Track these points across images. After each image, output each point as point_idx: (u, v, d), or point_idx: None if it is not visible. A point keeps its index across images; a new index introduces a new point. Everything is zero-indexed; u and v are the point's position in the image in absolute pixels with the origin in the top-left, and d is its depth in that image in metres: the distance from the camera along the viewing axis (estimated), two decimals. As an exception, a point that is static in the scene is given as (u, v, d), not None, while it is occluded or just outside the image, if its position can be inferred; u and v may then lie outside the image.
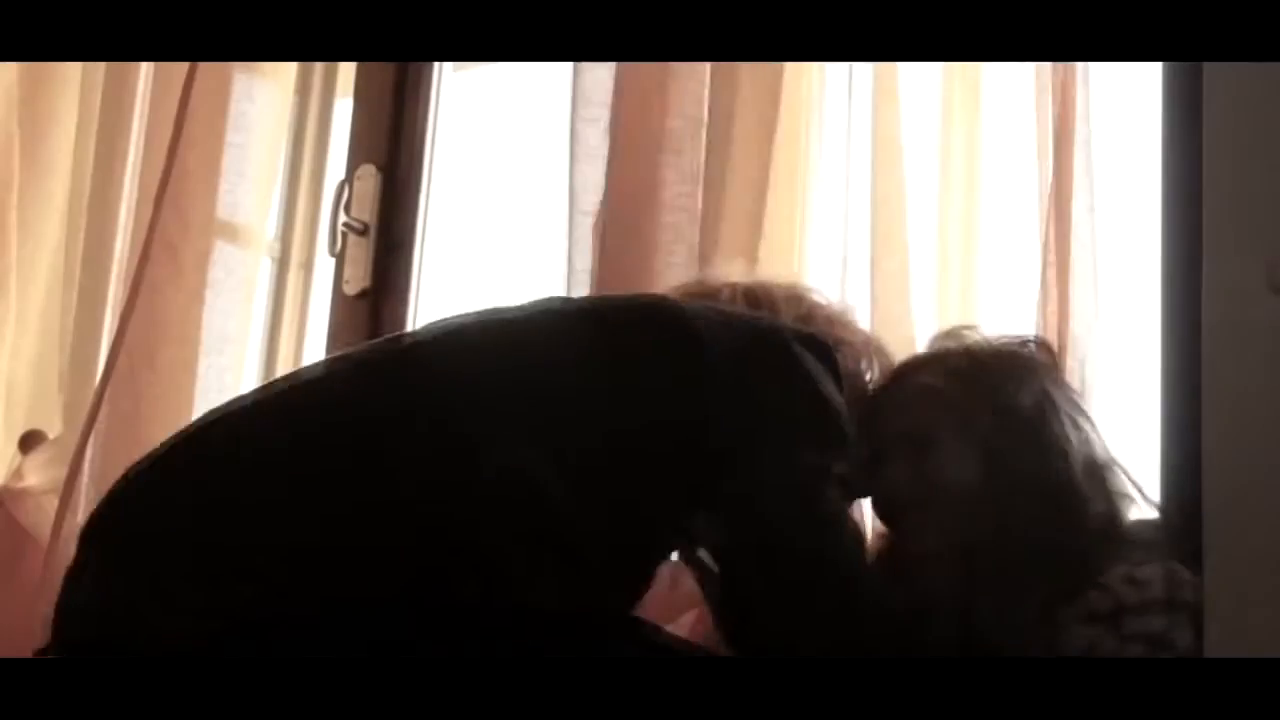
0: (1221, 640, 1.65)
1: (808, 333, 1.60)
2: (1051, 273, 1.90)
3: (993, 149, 2.04)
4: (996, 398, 1.67)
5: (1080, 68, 1.93)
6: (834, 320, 1.74)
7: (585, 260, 2.16)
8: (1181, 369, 1.85)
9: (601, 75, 2.20)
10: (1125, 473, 1.69)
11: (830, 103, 2.14)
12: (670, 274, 2.09)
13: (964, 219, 2.03)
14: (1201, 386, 1.80)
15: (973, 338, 1.78)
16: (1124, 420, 1.93)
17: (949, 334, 1.81)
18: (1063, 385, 1.73)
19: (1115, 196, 2.01)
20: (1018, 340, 1.79)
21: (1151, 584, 1.52)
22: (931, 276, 2.02)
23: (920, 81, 2.07)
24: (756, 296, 1.71)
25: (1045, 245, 1.91)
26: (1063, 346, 1.87)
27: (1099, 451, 1.68)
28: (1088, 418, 1.70)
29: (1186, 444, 1.82)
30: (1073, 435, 1.65)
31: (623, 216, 2.13)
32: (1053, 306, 1.89)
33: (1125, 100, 2.05)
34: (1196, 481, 1.78)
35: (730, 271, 1.83)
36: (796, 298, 1.74)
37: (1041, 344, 1.79)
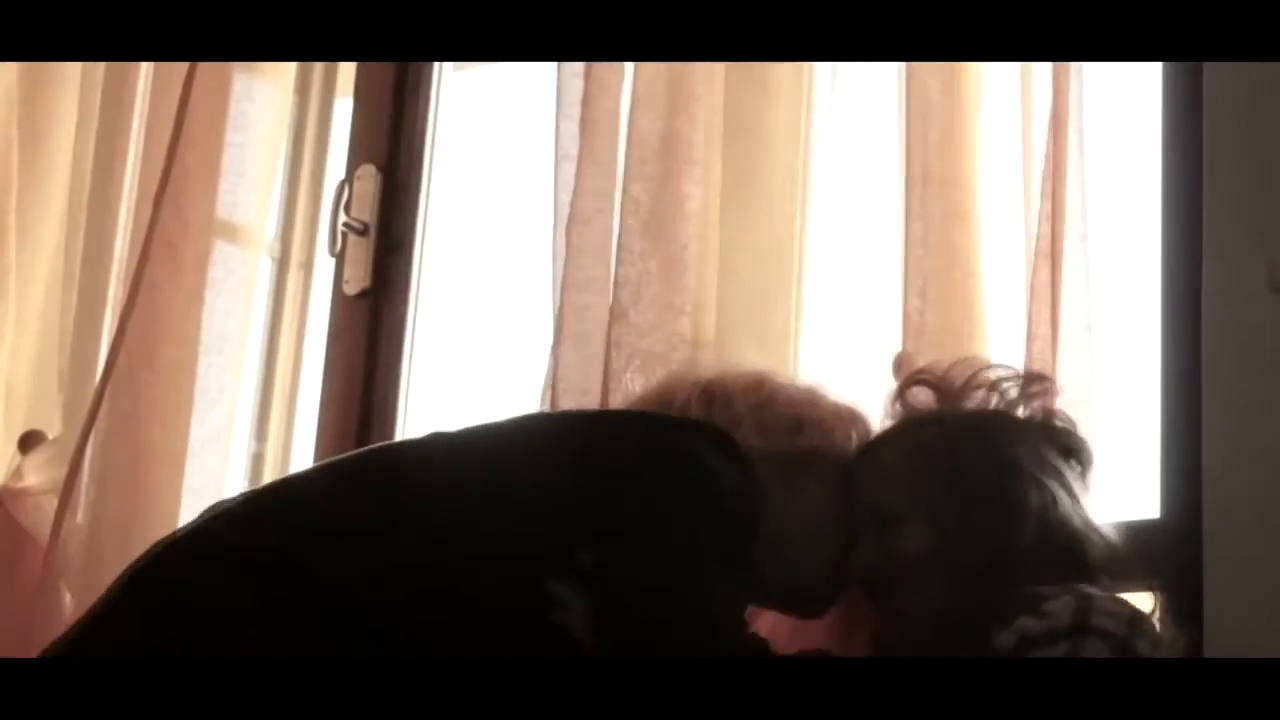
0: (1221, 640, 1.65)
1: (699, 422, 1.65)
2: (1044, 269, 1.89)
3: (991, 148, 2.04)
4: (954, 471, 1.65)
5: (1074, 67, 1.92)
6: (796, 401, 1.74)
7: (560, 264, 2.16)
8: (1182, 369, 1.84)
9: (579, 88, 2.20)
10: (1098, 524, 1.65)
11: (851, 100, 2.14)
12: (673, 273, 2.09)
13: (973, 214, 2.03)
14: (1202, 387, 1.80)
15: (943, 379, 1.75)
16: (1123, 421, 1.93)
17: (920, 375, 1.78)
18: (1031, 443, 1.68)
19: (1113, 197, 2.01)
20: (993, 372, 1.76)
21: (1058, 613, 1.51)
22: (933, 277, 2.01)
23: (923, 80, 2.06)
24: (713, 394, 1.72)
25: (1038, 245, 1.90)
26: (1054, 348, 1.87)
27: (1065, 510, 1.63)
28: (1058, 475, 1.65)
29: (1186, 444, 1.82)
30: (1036, 502, 1.62)
31: (635, 223, 2.13)
32: (1044, 310, 1.88)
33: (1121, 99, 2.04)
34: (1197, 482, 1.79)
35: (705, 368, 1.86)
36: (755, 384, 1.74)
37: (1028, 380, 1.75)
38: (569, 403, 2.08)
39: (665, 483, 1.56)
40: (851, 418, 1.76)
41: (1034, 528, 1.61)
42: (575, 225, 2.15)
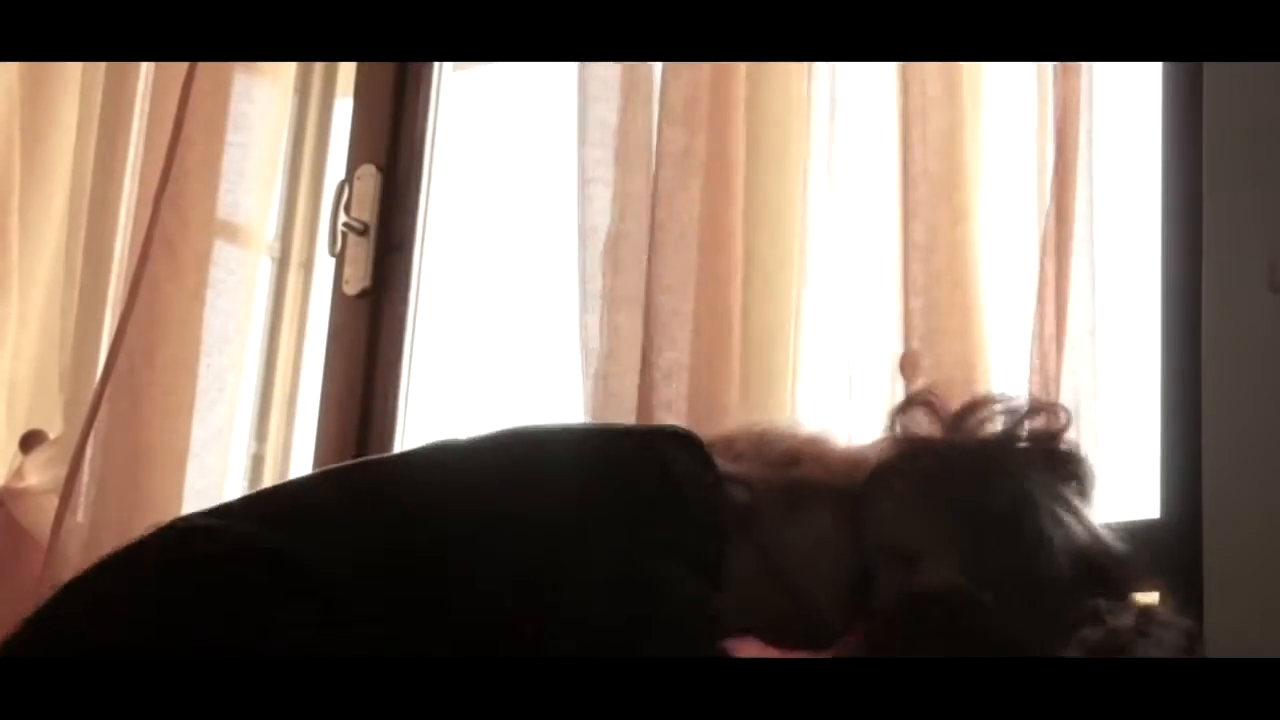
0: (1221, 640, 1.65)
1: (678, 432, 1.67)
2: (1050, 269, 1.89)
3: (994, 147, 2.04)
4: (968, 504, 1.64)
5: (1084, 66, 1.92)
6: (796, 438, 1.77)
7: (597, 284, 2.16)
8: (1182, 369, 1.84)
9: (605, 111, 2.20)
10: (1117, 547, 1.64)
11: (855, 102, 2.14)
12: (692, 287, 2.09)
13: (974, 216, 2.02)
14: (1202, 387, 1.81)
15: (944, 404, 1.74)
16: (1123, 421, 1.93)
17: (922, 398, 1.77)
18: (1037, 470, 1.67)
19: (1116, 196, 2.01)
20: (995, 397, 1.76)
21: (1119, 625, 1.52)
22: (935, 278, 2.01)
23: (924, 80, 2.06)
24: (714, 442, 1.74)
25: (1044, 246, 1.90)
26: (1059, 348, 1.87)
27: (1079, 532, 1.63)
28: (1066, 499, 1.65)
29: (1186, 444, 1.82)
30: (1054, 531, 1.61)
31: (669, 239, 2.13)
32: (1050, 308, 1.88)
33: (1127, 98, 2.04)
34: (1196, 481, 1.79)
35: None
36: (754, 427, 1.78)
37: (1034, 409, 1.74)
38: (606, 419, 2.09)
39: (635, 484, 1.58)
40: (856, 458, 1.76)
41: (1054, 554, 1.60)
42: (613, 244, 2.15)
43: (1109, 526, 1.67)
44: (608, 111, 2.20)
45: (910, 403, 1.77)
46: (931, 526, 1.65)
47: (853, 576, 1.68)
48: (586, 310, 2.15)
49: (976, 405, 1.73)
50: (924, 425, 1.74)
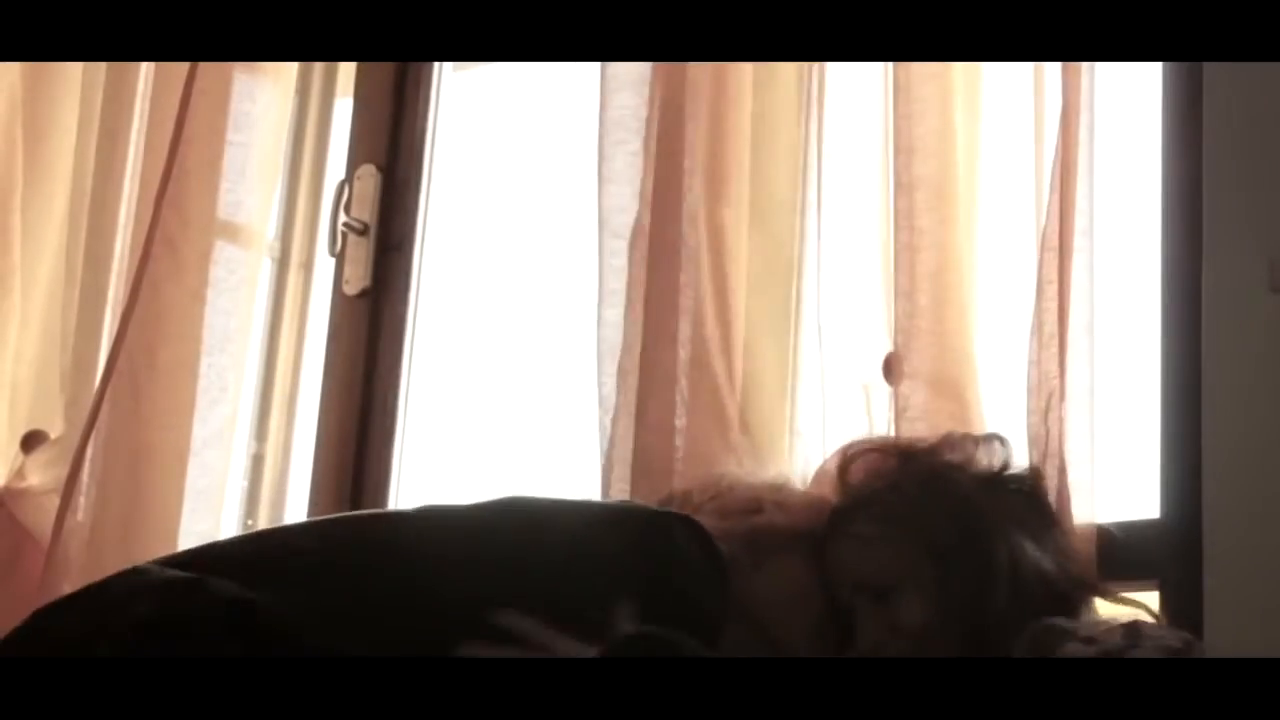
0: (1222, 640, 1.65)
1: (673, 514, 1.68)
2: (1051, 266, 1.89)
3: (993, 146, 2.04)
4: (927, 537, 1.65)
5: (1086, 65, 1.92)
6: (755, 486, 1.79)
7: (619, 281, 2.15)
8: (1182, 369, 1.85)
9: (626, 109, 2.20)
10: (1065, 557, 1.67)
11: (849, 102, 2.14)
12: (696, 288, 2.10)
13: (966, 218, 2.03)
14: (1202, 387, 1.81)
15: (892, 443, 1.78)
16: (1123, 421, 1.93)
17: (869, 444, 1.80)
18: (988, 497, 1.69)
19: (1116, 194, 2.01)
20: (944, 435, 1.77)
21: (1108, 638, 1.52)
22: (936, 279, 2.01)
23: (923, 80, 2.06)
24: (671, 497, 1.79)
25: (1044, 242, 1.90)
26: (1062, 346, 1.87)
27: (1033, 555, 1.65)
28: (1019, 521, 1.67)
29: (1186, 444, 1.82)
30: (1018, 551, 1.63)
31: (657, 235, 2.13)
32: (1049, 305, 1.88)
33: (1128, 97, 2.04)
34: (1196, 481, 1.79)
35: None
36: (713, 482, 1.81)
37: (981, 440, 1.76)
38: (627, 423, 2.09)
39: (658, 575, 1.58)
40: (816, 501, 1.77)
41: (1009, 582, 1.62)
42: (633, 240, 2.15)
43: (1071, 548, 1.69)
44: (627, 110, 2.20)
45: (860, 451, 1.78)
46: (898, 559, 1.66)
47: (826, 618, 1.68)
48: (607, 305, 2.15)
49: (928, 445, 1.76)
50: (877, 468, 1.76)
